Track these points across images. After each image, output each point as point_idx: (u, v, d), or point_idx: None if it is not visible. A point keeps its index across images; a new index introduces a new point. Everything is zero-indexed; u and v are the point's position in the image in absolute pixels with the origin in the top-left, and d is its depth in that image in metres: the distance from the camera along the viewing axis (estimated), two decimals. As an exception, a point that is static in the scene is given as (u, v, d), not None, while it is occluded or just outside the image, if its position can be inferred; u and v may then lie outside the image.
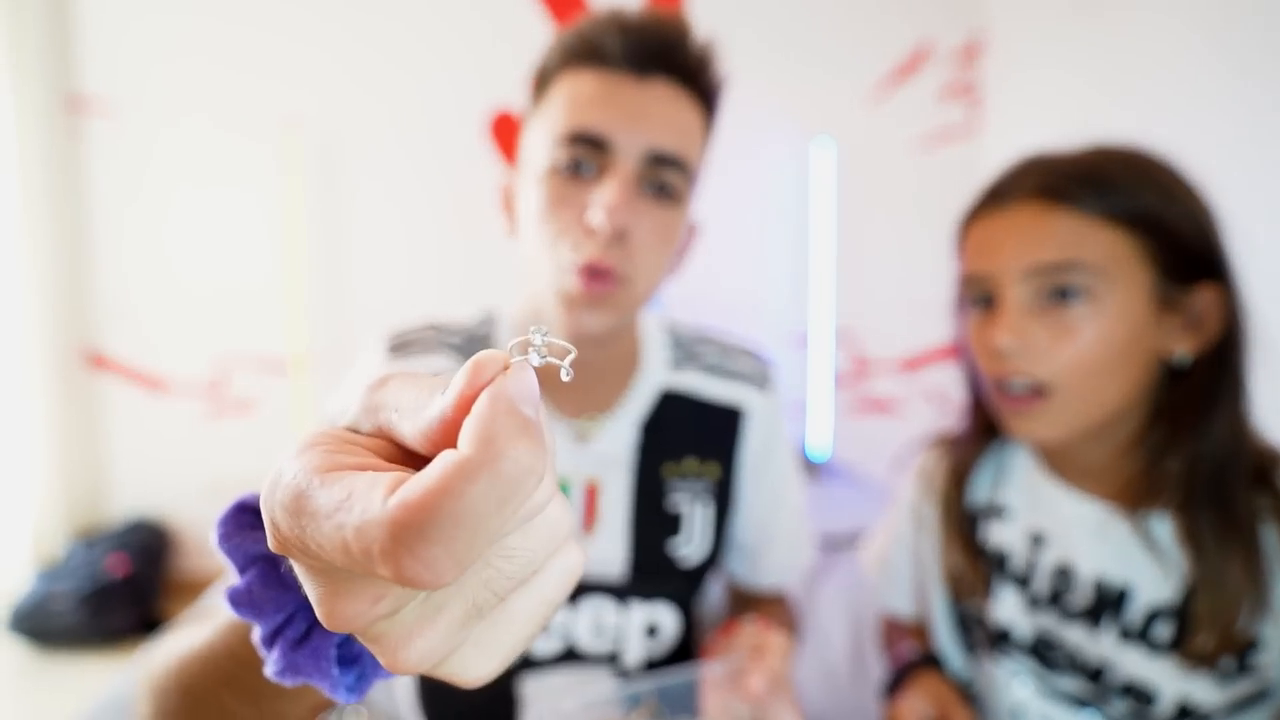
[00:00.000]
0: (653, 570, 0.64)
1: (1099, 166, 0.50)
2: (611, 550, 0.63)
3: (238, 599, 0.22)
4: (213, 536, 0.23)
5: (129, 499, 2.20)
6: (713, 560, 0.67)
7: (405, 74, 2.11)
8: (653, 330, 0.70)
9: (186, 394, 2.16)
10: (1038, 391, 0.51)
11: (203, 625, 0.32)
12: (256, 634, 0.22)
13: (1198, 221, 0.50)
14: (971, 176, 2.22)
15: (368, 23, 2.07)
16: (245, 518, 0.23)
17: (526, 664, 0.63)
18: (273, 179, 2.07)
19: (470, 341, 0.66)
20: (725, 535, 0.68)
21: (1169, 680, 0.50)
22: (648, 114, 0.54)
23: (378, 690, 0.65)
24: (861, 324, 2.23)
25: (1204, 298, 0.50)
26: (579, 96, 0.54)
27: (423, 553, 0.15)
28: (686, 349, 0.70)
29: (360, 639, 0.18)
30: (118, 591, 1.92)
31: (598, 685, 0.55)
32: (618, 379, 0.65)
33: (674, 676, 0.54)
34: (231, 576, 0.23)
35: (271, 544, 0.18)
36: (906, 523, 0.70)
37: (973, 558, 0.61)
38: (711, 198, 0.58)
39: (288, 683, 0.21)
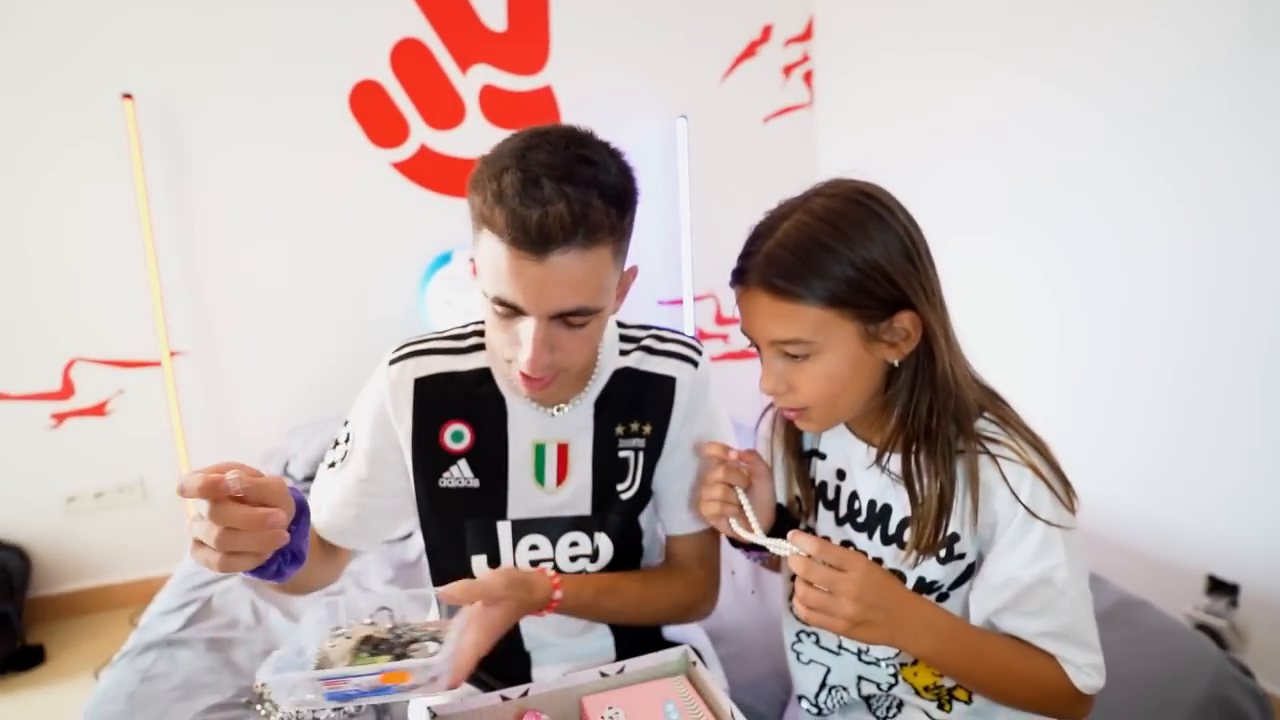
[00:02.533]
0: (607, 507, 0.85)
1: (807, 258, 0.67)
2: (580, 494, 0.83)
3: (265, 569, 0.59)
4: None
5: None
6: (641, 497, 0.87)
7: (263, 49, 2.02)
8: (609, 330, 0.86)
9: (30, 401, 1.96)
10: (800, 409, 0.73)
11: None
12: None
13: (888, 274, 0.68)
14: (810, 144, 2.55)
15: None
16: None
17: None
18: (115, 163, 1.90)
19: (461, 343, 0.82)
20: (651, 477, 0.88)
21: (911, 566, 0.75)
22: (547, 286, 0.62)
23: None
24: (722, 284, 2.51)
25: (902, 323, 0.69)
26: (494, 265, 0.63)
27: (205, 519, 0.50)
28: (631, 338, 0.88)
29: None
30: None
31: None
32: (580, 376, 0.82)
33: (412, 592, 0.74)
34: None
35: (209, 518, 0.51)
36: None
37: (806, 487, 0.84)
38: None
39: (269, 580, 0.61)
